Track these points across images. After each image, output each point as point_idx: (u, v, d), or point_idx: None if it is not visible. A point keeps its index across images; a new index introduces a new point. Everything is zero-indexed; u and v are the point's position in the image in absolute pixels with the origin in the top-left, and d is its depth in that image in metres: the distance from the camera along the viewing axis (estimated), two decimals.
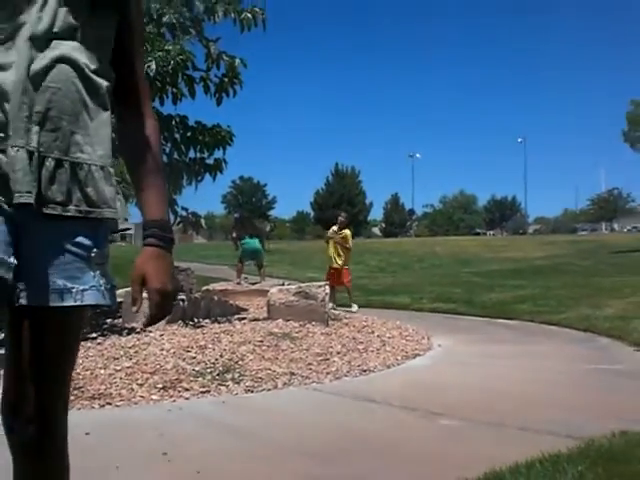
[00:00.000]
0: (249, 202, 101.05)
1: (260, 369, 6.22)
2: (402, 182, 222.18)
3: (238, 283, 14.42)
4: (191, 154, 9.23)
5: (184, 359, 6.29)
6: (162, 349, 6.69)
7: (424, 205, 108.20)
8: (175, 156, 9.15)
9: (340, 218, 13.31)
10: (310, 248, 39.96)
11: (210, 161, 9.38)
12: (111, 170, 1.81)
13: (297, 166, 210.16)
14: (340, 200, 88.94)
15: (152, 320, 1.82)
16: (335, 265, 12.92)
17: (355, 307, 12.76)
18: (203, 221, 9.71)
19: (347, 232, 13.07)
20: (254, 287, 13.44)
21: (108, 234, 1.85)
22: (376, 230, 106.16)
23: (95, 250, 1.75)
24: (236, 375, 5.98)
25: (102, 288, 1.75)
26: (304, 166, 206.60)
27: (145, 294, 1.79)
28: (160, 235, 1.82)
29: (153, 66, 8.17)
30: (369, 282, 19.80)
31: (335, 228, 13.21)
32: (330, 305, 10.91)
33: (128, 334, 7.63)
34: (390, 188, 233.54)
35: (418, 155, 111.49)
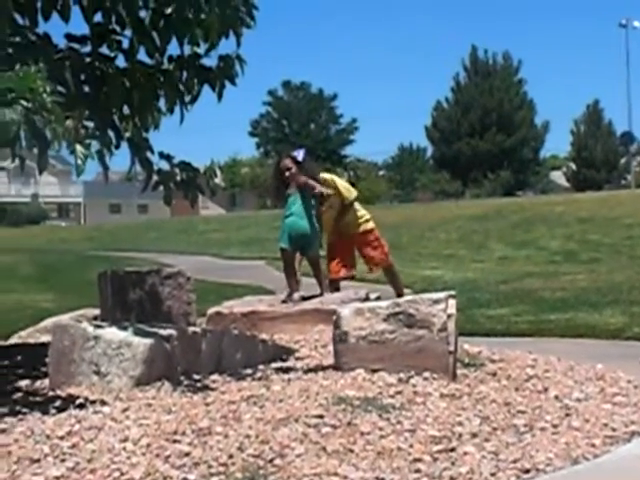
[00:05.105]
0: (304, 129, 57.76)
1: (317, 475, 3.67)
2: (606, 82, 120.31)
3: (286, 300, 7.52)
4: (172, 49, 5.21)
5: (167, 458, 3.83)
6: (125, 439, 4.08)
7: None
8: (141, 56, 5.34)
9: (286, 161, 7.69)
10: (431, 215, 23.67)
11: (211, 61, 5.38)
12: None
13: (397, 59, 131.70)
14: (483, 118, 53.51)
15: None
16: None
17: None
18: (208, 178, 5.62)
19: (326, 177, 8.38)
20: (308, 305, 7.26)
21: None
22: (558, 176, 63.58)
23: None
24: None
25: None
26: (412, 60, 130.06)
27: None
28: None
29: None
30: (543, 284, 11.68)
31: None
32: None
33: (60, 410, 4.59)
34: (584, 94, 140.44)
35: (637, 24, 55.34)
